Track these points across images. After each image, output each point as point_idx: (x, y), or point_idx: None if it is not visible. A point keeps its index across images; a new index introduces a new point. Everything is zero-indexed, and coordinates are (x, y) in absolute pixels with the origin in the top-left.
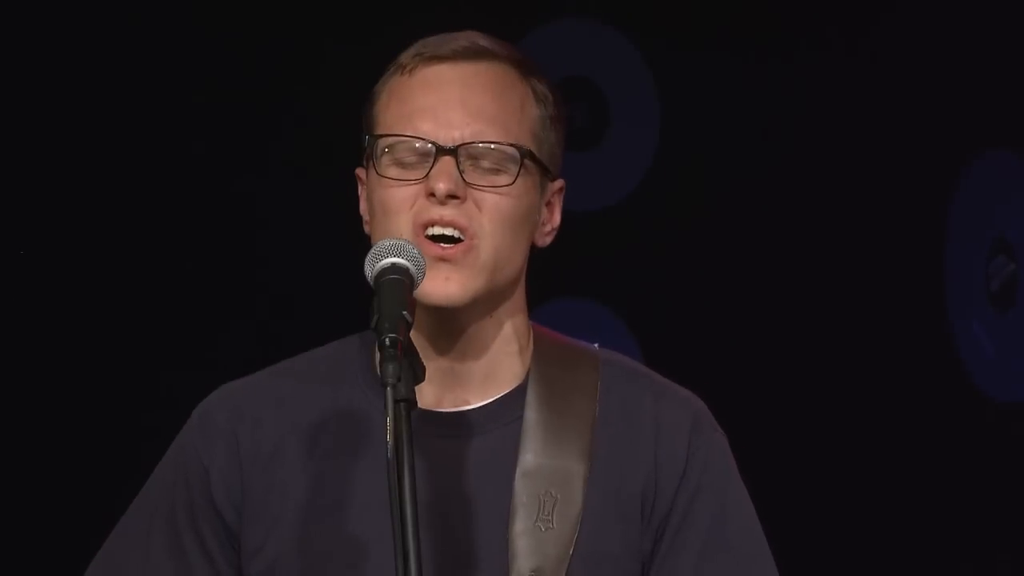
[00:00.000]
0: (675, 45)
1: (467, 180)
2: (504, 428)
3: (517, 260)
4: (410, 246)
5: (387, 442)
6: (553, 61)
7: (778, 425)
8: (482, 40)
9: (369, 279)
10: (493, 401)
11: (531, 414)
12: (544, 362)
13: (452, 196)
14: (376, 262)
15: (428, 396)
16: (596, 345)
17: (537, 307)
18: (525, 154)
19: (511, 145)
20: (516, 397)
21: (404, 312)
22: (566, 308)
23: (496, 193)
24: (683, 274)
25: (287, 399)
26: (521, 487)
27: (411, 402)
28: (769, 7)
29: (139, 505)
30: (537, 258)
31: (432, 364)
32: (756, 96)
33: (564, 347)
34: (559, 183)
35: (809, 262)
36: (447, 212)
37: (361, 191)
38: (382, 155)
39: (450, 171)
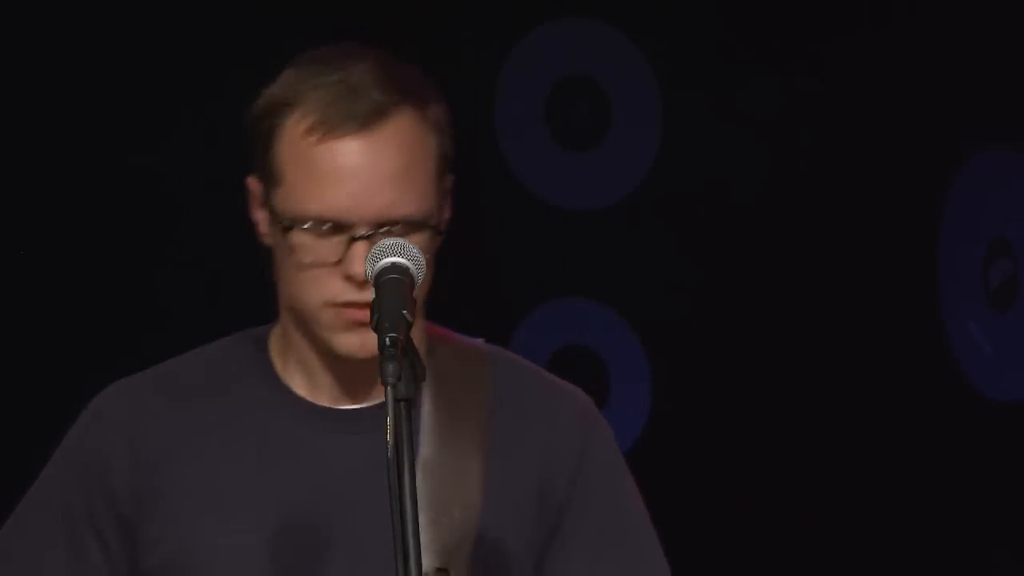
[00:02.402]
0: (676, 45)
1: None
2: None
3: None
4: (410, 245)
5: (387, 441)
6: (553, 61)
7: (775, 425)
8: (376, 90)
9: (369, 278)
10: None
11: (426, 411)
12: (436, 360)
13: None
14: (376, 261)
15: (324, 396)
16: (482, 341)
17: (537, 307)
18: (432, 221)
19: (421, 222)
20: None
21: (404, 311)
22: (566, 308)
23: None
24: (683, 274)
25: (186, 396)
26: (420, 483)
27: (411, 401)
28: (769, 7)
29: (32, 500)
30: (538, 258)
31: (329, 372)
32: (756, 95)
33: (454, 345)
34: (450, 180)
35: (808, 261)
36: (366, 296)
37: (252, 201)
38: (292, 224)
39: (365, 255)
